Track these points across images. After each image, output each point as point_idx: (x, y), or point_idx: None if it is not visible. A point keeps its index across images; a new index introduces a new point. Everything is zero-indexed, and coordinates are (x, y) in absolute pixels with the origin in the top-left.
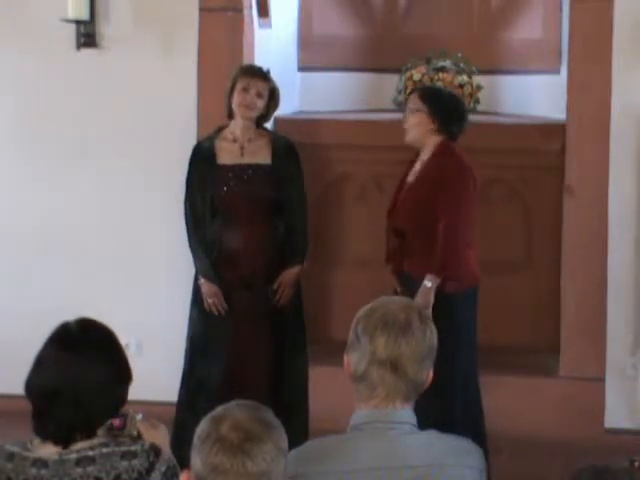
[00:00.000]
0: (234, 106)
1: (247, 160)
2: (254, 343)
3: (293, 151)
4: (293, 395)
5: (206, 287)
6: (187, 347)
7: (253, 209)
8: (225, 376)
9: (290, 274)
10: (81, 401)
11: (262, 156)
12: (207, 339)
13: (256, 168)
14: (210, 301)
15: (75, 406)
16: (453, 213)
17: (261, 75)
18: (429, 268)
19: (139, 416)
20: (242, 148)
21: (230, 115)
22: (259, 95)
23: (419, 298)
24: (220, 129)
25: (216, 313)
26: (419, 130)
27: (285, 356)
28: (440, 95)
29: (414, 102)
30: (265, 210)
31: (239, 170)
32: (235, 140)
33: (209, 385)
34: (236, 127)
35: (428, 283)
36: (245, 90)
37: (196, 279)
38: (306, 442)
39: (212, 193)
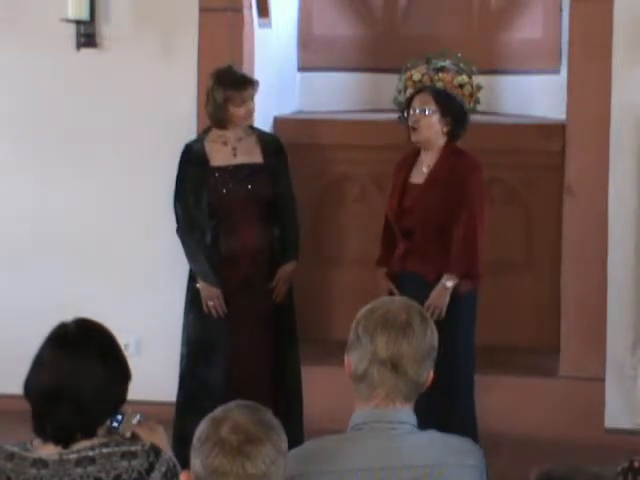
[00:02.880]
0: (234, 118)
1: (241, 160)
2: (254, 343)
3: (282, 148)
4: (291, 394)
5: (206, 290)
6: (185, 351)
7: (251, 208)
8: (227, 377)
9: (286, 270)
10: (80, 401)
11: (254, 155)
12: (206, 341)
13: (250, 168)
14: (210, 304)
15: (74, 406)
16: (476, 213)
17: (252, 83)
18: (449, 268)
19: (137, 416)
20: (234, 149)
21: (222, 124)
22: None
23: (436, 298)
24: (206, 130)
25: (215, 316)
26: (432, 131)
27: (282, 355)
28: (453, 99)
29: (428, 103)
30: (262, 209)
31: (235, 171)
32: (225, 142)
33: (211, 387)
34: (228, 131)
35: (448, 283)
36: (244, 103)
37: (190, 281)
38: (306, 442)
39: (210, 195)
